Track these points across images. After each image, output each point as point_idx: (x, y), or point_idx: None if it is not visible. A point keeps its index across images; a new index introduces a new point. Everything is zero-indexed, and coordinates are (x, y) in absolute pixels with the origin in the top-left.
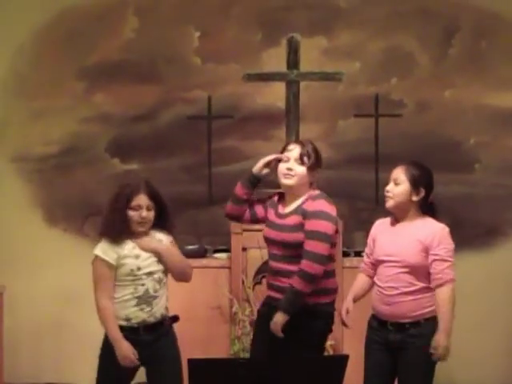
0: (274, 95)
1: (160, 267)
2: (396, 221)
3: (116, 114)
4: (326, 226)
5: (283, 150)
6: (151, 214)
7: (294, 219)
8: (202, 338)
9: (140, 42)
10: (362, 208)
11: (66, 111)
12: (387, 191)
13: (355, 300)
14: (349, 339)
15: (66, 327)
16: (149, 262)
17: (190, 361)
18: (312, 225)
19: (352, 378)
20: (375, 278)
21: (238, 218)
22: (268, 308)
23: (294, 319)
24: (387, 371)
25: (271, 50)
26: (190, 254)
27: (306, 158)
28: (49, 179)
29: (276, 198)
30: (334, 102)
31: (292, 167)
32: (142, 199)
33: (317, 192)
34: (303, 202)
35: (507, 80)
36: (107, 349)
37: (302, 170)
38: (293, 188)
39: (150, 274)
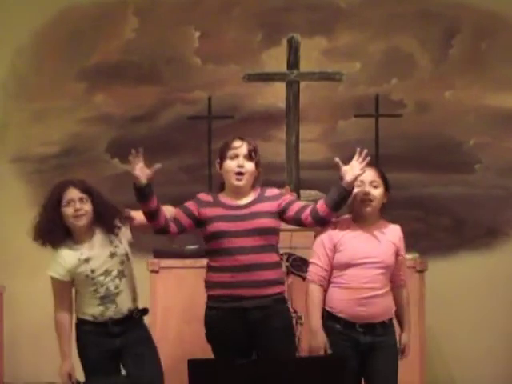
0: (275, 95)
1: (115, 261)
2: (360, 222)
3: (116, 114)
4: None
5: (227, 148)
6: (86, 206)
7: (269, 205)
8: (202, 338)
9: (140, 43)
10: None
11: (66, 112)
12: (368, 194)
13: None
14: None
15: None
16: (101, 262)
17: (190, 361)
18: (289, 197)
19: None
20: (344, 280)
21: (164, 232)
22: (238, 311)
23: (274, 313)
24: (356, 373)
25: (271, 50)
26: (190, 254)
27: (253, 154)
28: (49, 180)
29: (210, 197)
30: (334, 103)
31: (242, 164)
32: (72, 192)
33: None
34: (261, 193)
35: (507, 81)
36: (81, 341)
37: (251, 166)
38: (243, 188)
39: (106, 272)
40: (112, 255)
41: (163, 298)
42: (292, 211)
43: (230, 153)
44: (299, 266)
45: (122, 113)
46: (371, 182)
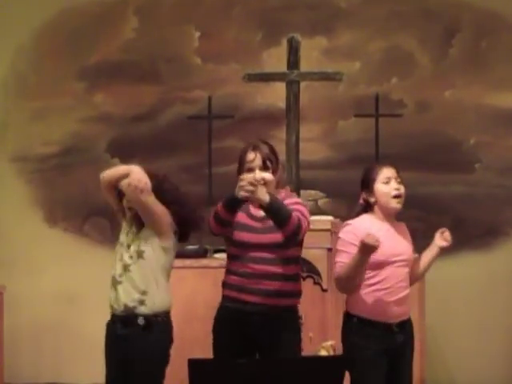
0: (275, 95)
1: (127, 252)
2: (388, 221)
3: (116, 113)
4: (304, 207)
5: (243, 161)
6: None
7: None
8: (201, 337)
9: (140, 42)
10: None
11: (67, 111)
12: (398, 189)
13: None
14: None
15: (66, 327)
16: (123, 245)
17: (190, 360)
18: (292, 207)
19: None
20: (379, 281)
21: (222, 235)
22: (242, 314)
23: (281, 326)
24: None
25: (271, 49)
26: (190, 254)
27: (268, 163)
28: (49, 179)
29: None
30: (334, 102)
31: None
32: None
33: (289, 191)
34: (283, 200)
35: (507, 80)
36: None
37: (269, 175)
38: None
39: (120, 257)
40: (128, 246)
41: None
42: None
43: (246, 166)
44: None
45: (122, 112)
46: (396, 178)
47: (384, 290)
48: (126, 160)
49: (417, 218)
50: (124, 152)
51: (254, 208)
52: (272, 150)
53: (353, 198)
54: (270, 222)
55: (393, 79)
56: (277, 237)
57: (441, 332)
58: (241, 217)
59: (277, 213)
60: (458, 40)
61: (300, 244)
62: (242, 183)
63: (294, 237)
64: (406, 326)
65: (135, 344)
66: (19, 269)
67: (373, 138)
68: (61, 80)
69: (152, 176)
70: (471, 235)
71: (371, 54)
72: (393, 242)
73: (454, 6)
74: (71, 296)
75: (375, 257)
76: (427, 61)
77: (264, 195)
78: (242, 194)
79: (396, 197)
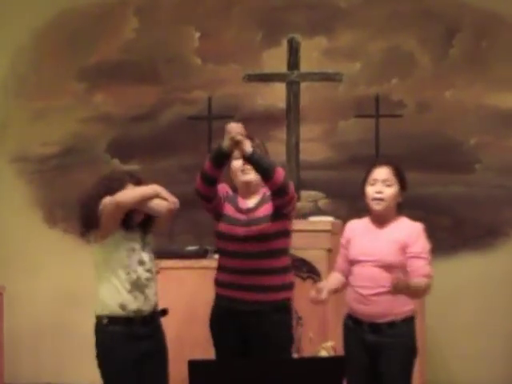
0: (275, 96)
1: None
2: (374, 221)
3: (116, 114)
4: None
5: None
6: None
7: (267, 208)
8: (202, 338)
9: (140, 43)
10: (363, 209)
11: (66, 111)
12: (379, 192)
13: (332, 291)
14: None
15: (66, 327)
16: None
17: (190, 362)
18: None
19: None
20: (350, 278)
21: (208, 199)
22: (235, 313)
23: (270, 319)
24: (368, 370)
25: (271, 50)
26: (190, 255)
27: (258, 150)
28: (49, 180)
29: (231, 193)
30: (334, 103)
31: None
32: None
33: None
34: (267, 191)
35: (508, 80)
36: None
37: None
38: (252, 183)
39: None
40: None
41: (163, 298)
42: None
43: (235, 153)
44: (299, 266)
45: (122, 113)
46: (384, 181)
47: (352, 287)
48: (125, 160)
49: (416, 219)
50: (124, 152)
51: (241, 201)
52: (261, 141)
53: (353, 199)
54: (257, 214)
55: (393, 79)
56: (264, 228)
57: (441, 332)
58: (229, 209)
59: (260, 162)
60: (458, 40)
61: (288, 233)
62: (230, 134)
63: (282, 191)
64: (382, 329)
65: (160, 339)
66: (19, 269)
67: (373, 139)
68: (61, 80)
69: None
70: (471, 236)
71: (371, 54)
72: (367, 243)
73: (454, 6)
74: (71, 296)
75: (348, 256)
76: (427, 61)
77: (247, 146)
78: (230, 138)
79: (374, 199)
